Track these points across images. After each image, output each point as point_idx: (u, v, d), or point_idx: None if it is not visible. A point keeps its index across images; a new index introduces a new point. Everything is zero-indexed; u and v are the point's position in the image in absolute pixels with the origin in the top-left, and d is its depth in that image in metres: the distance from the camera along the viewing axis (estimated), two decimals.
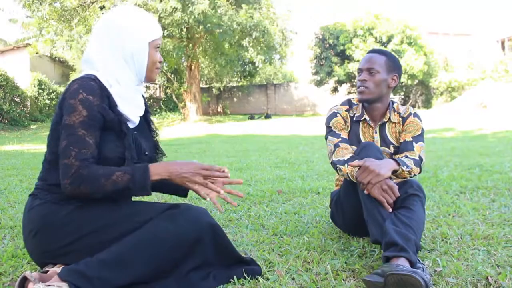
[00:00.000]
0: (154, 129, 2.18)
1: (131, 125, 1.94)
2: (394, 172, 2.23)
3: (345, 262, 2.17)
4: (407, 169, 2.26)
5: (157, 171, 1.79)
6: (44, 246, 1.81)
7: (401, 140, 2.52)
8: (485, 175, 4.62)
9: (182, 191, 2.19)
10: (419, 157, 2.39)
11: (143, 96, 2.09)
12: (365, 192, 2.14)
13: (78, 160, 1.69)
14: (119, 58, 1.89)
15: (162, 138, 2.21)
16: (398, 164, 2.23)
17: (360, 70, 2.53)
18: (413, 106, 28.83)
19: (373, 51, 2.57)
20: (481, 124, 15.01)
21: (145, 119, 2.13)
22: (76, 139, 1.72)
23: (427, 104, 29.79)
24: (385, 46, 26.37)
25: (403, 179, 2.35)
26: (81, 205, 1.81)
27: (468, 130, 13.44)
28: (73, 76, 26.67)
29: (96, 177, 1.70)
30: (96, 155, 1.77)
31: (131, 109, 1.94)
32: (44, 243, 1.81)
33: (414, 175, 2.33)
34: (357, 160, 2.20)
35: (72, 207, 1.80)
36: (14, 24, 21.40)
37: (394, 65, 2.54)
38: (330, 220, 2.84)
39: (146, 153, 2.03)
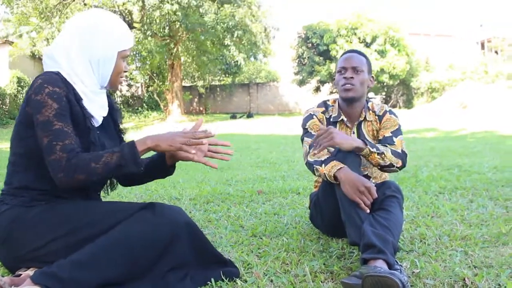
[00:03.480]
0: (121, 128, 2.17)
1: (94, 123, 1.92)
2: (359, 150, 2.24)
3: (324, 264, 2.16)
4: (377, 151, 2.25)
5: (143, 141, 1.81)
6: (15, 252, 1.78)
7: (380, 137, 2.51)
8: (464, 176, 4.66)
9: (169, 168, 2.17)
10: (402, 151, 2.39)
11: (109, 97, 2.08)
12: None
13: (65, 152, 1.68)
14: (85, 60, 1.87)
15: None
16: (365, 145, 2.24)
17: (343, 68, 2.51)
18: (394, 106, 29.05)
19: (352, 51, 2.58)
20: (462, 125, 15.18)
21: (112, 118, 2.11)
22: (56, 133, 1.70)
23: (408, 104, 30.03)
24: (369, 47, 26.51)
25: (381, 181, 2.35)
26: (49, 207, 1.79)
27: (449, 131, 13.58)
28: None
29: (86, 162, 1.69)
30: (79, 143, 1.76)
31: (94, 108, 1.92)
32: (15, 248, 1.78)
33: (397, 167, 2.33)
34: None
35: (40, 208, 1.79)
36: None
37: (371, 67, 2.59)
38: (310, 221, 2.83)
39: None
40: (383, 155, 2.28)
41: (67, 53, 1.85)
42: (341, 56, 2.59)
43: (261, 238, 2.63)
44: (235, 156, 7.64)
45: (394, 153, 2.33)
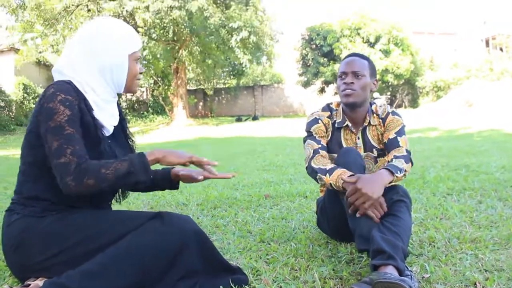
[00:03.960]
0: (130, 136, 2.18)
1: (105, 133, 1.92)
2: (390, 183, 2.18)
3: (333, 269, 2.16)
4: (402, 174, 2.21)
5: (151, 152, 1.84)
6: (25, 261, 1.78)
7: (385, 140, 2.48)
8: (472, 176, 4.63)
9: (174, 184, 2.26)
10: (407, 151, 2.37)
11: (118, 105, 2.08)
12: (355, 213, 2.09)
13: (76, 156, 1.68)
14: (92, 68, 1.87)
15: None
16: (392, 174, 2.17)
17: (344, 73, 2.48)
18: (400, 106, 28.97)
19: (354, 55, 2.55)
20: (468, 123, 15.09)
21: (122, 127, 2.12)
22: (67, 137, 1.70)
23: (414, 103, 29.95)
24: (373, 47, 26.47)
25: (388, 186, 2.33)
26: (60, 217, 1.79)
27: (454, 129, 13.51)
28: None
29: (97, 168, 1.69)
30: (87, 153, 1.76)
31: (105, 117, 1.92)
32: (25, 259, 1.78)
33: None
34: (351, 176, 2.14)
35: (51, 219, 1.78)
36: None
37: (374, 70, 2.54)
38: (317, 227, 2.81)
39: None
40: (405, 172, 2.24)
41: (69, 61, 1.86)
42: (343, 60, 2.56)
43: (269, 244, 2.62)
44: (242, 160, 7.63)
45: (406, 160, 2.30)
